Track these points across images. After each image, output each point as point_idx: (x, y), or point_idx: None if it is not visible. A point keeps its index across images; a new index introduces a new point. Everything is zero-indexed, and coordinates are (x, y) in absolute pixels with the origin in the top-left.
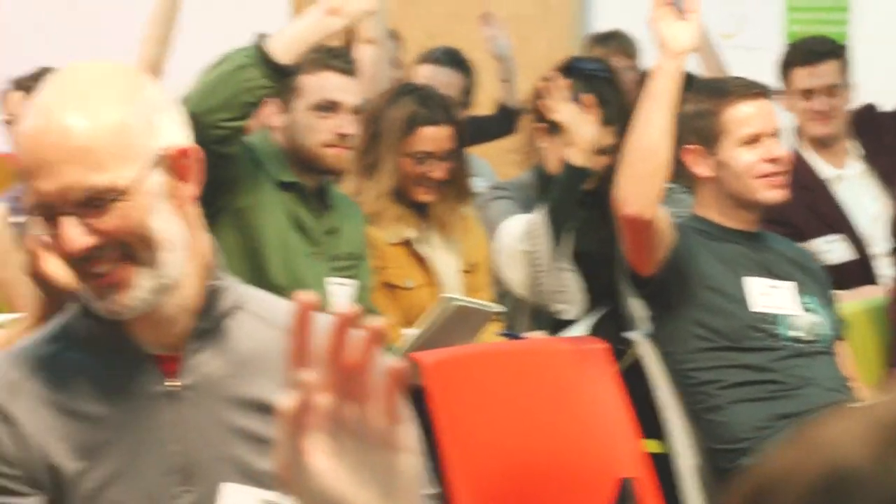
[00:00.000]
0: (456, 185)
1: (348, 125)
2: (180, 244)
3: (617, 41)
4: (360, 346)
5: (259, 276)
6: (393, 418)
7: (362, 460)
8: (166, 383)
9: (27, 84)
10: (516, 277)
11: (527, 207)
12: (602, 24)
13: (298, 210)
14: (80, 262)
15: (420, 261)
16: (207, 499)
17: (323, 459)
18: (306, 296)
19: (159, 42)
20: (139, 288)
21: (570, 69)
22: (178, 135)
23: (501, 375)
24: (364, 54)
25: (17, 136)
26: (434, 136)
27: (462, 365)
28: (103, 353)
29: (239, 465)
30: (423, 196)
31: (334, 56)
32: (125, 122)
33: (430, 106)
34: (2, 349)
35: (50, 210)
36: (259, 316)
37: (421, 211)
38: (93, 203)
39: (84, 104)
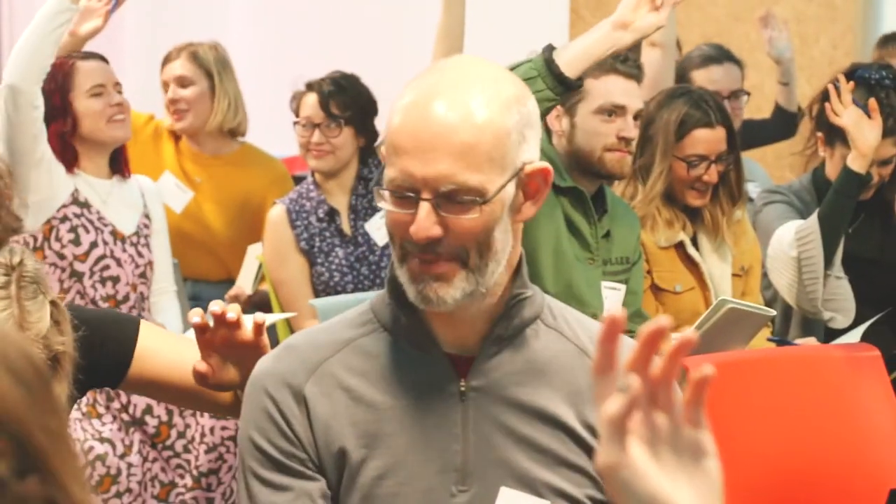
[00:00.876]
0: (729, 189)
1: (631, 129)
2: (506, 256)
3: None
4: (666, 357)
5: (532, 281)
6: (699, 425)
7: (676, 465)
8: (460, 382)
9: (320, 86)
10: (785, 283)
11: (802, 213)
12: (891, 25)
13: (574, 215)
14: (414, 245)
15: (691, 264)
16: (482, 500)
17: (644, 461)
18: (616, 314)
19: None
20: (457, 288)
21: (854, 75)
22: (536, 152)
23: (770, 382)
24: (650, 58)
25: (397, 114)
26: (707, 139)
27: (731, 371)
28: (403, 345)
29: (516, 471)
30: (696, 200)
31: (622, 60)
32: (508, 131)
33: (703, 108)
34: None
35: (409, 190)
36: (556, 329)
37: (693, 214)
38: (455, 198)
39: (477, 103)
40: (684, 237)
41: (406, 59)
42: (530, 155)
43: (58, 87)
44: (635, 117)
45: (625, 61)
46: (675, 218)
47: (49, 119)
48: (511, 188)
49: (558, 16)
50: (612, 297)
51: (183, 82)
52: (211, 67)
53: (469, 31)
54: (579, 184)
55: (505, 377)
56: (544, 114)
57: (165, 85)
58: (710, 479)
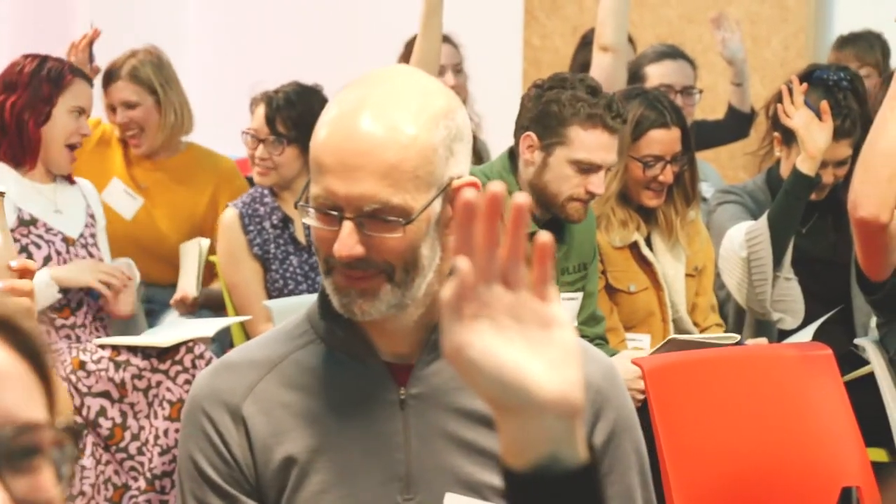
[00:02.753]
0: (683, 189)
1: (600, 185)
2: (432, 269)
3: (866, 42)
4: (507, 233)
5: None
6: (547, 298)
7: (524, 339)
8: (398, 390)
9: (271, 100)
10: (735, 283)
11: (755, 213)
12: (842, 26)
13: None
14: (338, 262)
15: (645, 265)
16: None
17: (489, 338)
18: (495, 188)
19: (431, 38)
20: (382, 301)
21: (812, 77)
22: (466, 164)
23: (723, 381)
24: (602, 62)
25: (322, 128)
26: (663, 139)
27: (683, 370)
28: (340, 355)
29: (461, 476)
30: (651, 200)
31: (613, 115)
32: (434, 147)
33: (658, 108)
34: None
35: (332, 209)
36: None
37: (647, 214)
38: (378, 218)
39: (402, 120)
40: (638, 237)
41: (369, 66)
42: (458, 169)
43: (49, 84)
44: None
45: (616, 117)
46: (630, 218)
47: (30, 104)
48: (437, 204)
49: (512, 17)
50: (569, 306)
51: (129, 104)
52: (154, 84)
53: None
54: (535, 212)
55: (444, 383)
56: None
57: (112, 106)
58: (564, 347)
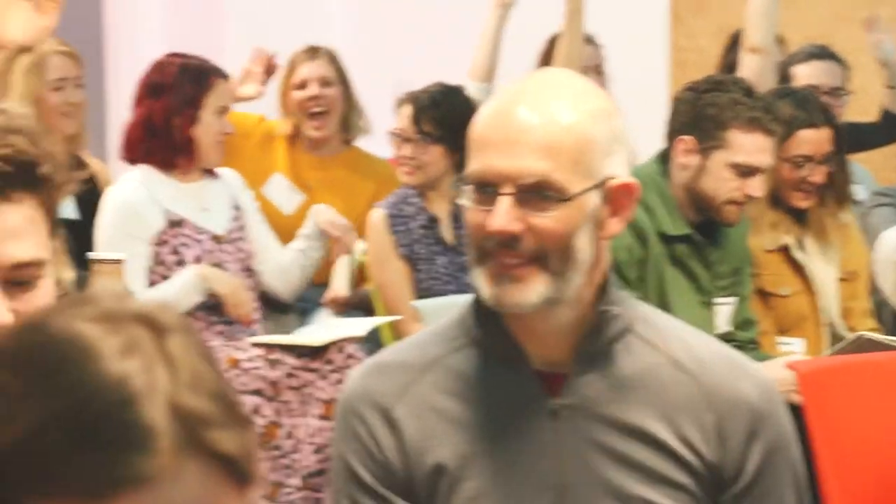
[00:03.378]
0: (835, 191)
1: (759, 189)
2: (585, 269)
3: None
4: None
5: None
6: None
7: None
8: (550, 399)
9: (416, 100)
10: (891, 288)
11: None
12: None
13: (690, 261)
14: (492, 243)
15: (796, 268)
16: None
17: None
18: None
19: (574, 40)
20: (535, 292)
21: None
22: (624, 170)
23: (879, 386)
24: (749, 64)
25: (482, 114)
26: (812, 140)
27: (839, 375)
28: (493, 362)
29: (612, 488)
30: (801, 201)
31: (771, 118)
32: (594, 138)
33: (807, 108)
34: None
35: (490, 184)
36: (648, 341)
37: (798, 217)
38: (535, 193)
39: (564, 105)
40: (790, 240)
41: (511, 65)
42: (617, 170)
43: (194, 86)
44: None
45: (773, 119)
46: (781, 220)
47: (177, 106)
48: (595, 198)
49: (658, 17)
50: (723, 311)
51: (326, 81)
52: (344, 73)
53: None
54: (689, 215)
55: (596, 394)
56: None
57: (296, 85)
58: None
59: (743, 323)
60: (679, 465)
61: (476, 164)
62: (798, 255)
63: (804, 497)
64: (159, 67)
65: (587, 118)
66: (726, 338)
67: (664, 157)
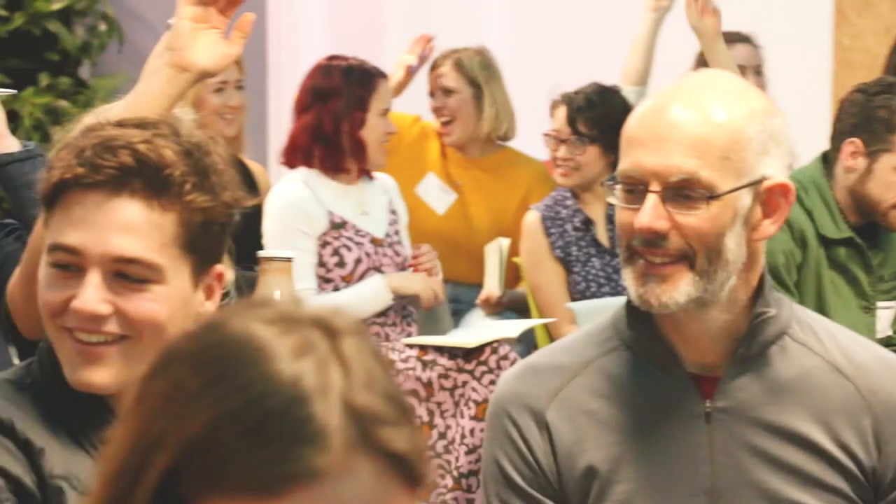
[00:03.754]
0: None
1: None
2: (735, 270)
3: None
4: None
5: None
6: None
7: None
8: (704, 402)
9: (571, 101)
10: None
11: None
12: None
13: (851, 265)
14: (640, 242)
15: None
16: None
17: None
18: None
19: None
20: (681, 292)
21: None
22: (781, 171)
23: None
24: None
25: (635, 112)
26: None
27: None
28: (645, 364)
29: (768, 493)
30: None
31: None
32: (748, 136)
33: None
34: None
35: (639, 182)
36: (804, 343)
37: None
38: (684, 191)
39: (717, 103)
40: None
41: (669, 67)
42: (772, 171)
43: (363, 85)
44: None
45: None
46: None
47: (346, 109)
48: (746, 198)
49: (822, 16)
50: (885, 315)
51: (446, 91)
52: (476, 75)
53: (728, 29)
54: (851, 218)
55: (751, 397)
56: None
57: (432, 91)
58: None
59: None
60: (835, 469)
61: (625, 162)
62: None
63: None
64: (324, 71)
65: (741, 116)
66: (887, 342)
67: (826, 159)
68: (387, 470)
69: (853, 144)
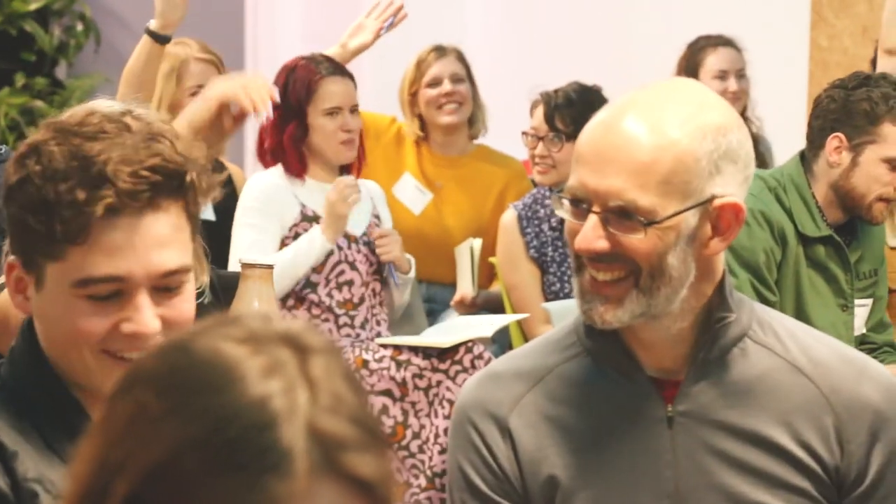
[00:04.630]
0: None
1: None
2: (682, 284)
3: None
4: None
5: None
6: None
7: None
8: (666, 406)
9: (549, 99)
10: None
11: None
12: None
13: (829, 264)
14: (585, 257)
15: None
16: None
17: None
18: None
19: None
20: (624, 309)
21: None
22: (736, 189)
23: None
24: (888, 65)
25: (591, 122)
26: None
27: None
28: (607, 370)
29: (731, 495)
30: None
31: None
32: (696, 157)
33: None
34: None
35: (581, 201)
36: (764, 345)
37: None
38: (624, 216)
39: (666, 122)
40: None
41: (650, 68)
42: (724, 189)
43: (297, 94)
44: None
45: None
46: None
47: (284, 120)
48: (692, 218)
49: (799, 17)
50: (861, 314)
51: (458, 78)
52: (471, 71)
53: (707, 30)
54: (830, 216)
55: (713, 400)
56: None
57: (427, 83)
58: None
59: (878, 325)
60: (798, 469)
61: (573, 178)
62: None
63: None
64: (282, 74)
65: (692, 136)
66: (861, 340)
67: (804, 158)
68: (351, 495)
69: (837, 139)
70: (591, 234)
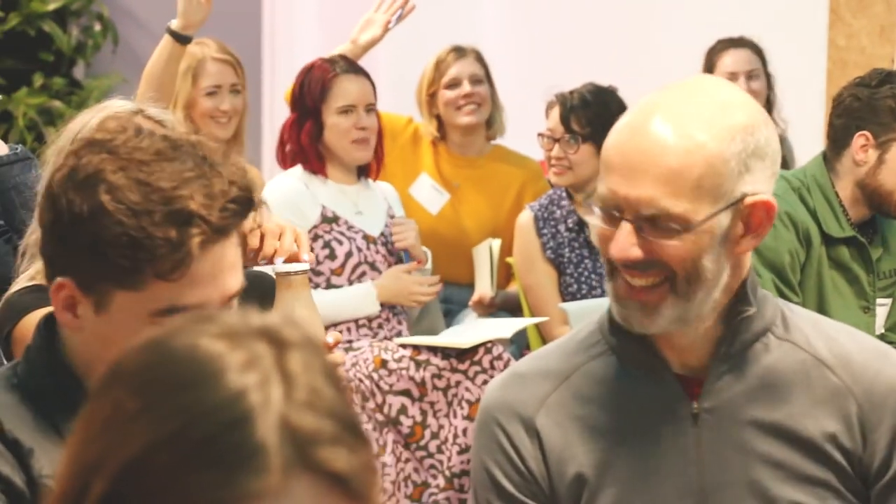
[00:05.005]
0: None
1: None
2: (716, 286)
3: None
4: None
5: None
6: None
7: None
8: (691, 403)
9: (565, 100)
10: None
11: None
12: None
13: (853, 265)
14: (621, 264)
15: None
16: None
17: None
18: None
19: None
20: (663, 316)
21: None
22: (765, 186)
23: None
24: None
25: (615, 129)
26: None
27: None
28: (631, 368)
29: (756, 490)
30: None
31: None
32: (725, 159)
33: None
34: None
35: (613, 209)
36: (789, 340)
37: None
38: (658, 223)
39: (693, 125)
40: None
41: (667, 70)
42: (754, 187)
43: (313, 93)
44: None
45: None
46: None
47: (301, 119)
48: (725, 219)
49: (817, 16)
50: (882, 313)
51: (476, 79)
52: (489, 72)
53: (724, 30)
54: (856, 212)
55: (737, 396)
56: None
57: (447, 84)
58: None
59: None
60: (823, 462)
61: (602, 186)
62: None
63: None
64: (299, 75)
65: (721, 136)
66: (881, 339)
67: (826, 157)
68: (327, 489)
69: (864, 137)
70: (625, 242)
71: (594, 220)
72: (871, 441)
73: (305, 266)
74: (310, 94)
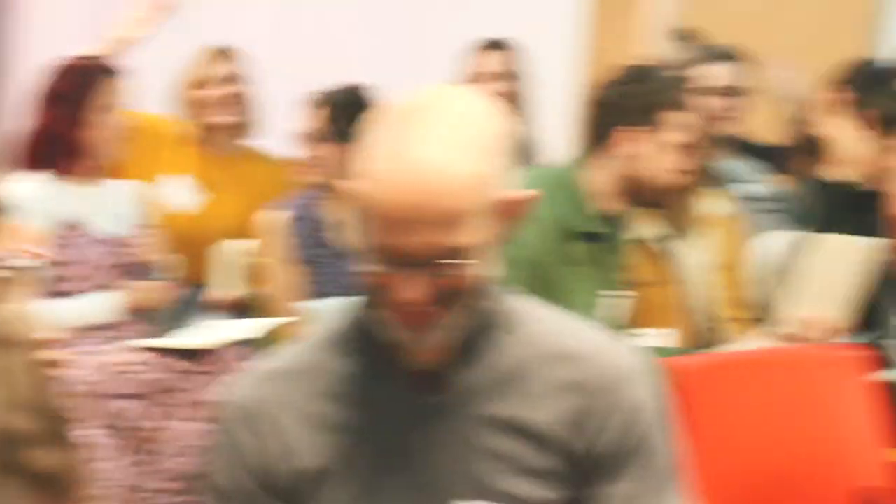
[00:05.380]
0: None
1: None
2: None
3: None
4: None
5: None
6: None
7: None
8: (424, 399)
9: (334, 100)
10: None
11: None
12: None
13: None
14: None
15: (656, 258)
16: None
17: None
18: None
19: None
20: (445, 331)
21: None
22: (511, 175)
23: (749, 383)
24: None
25: (373, 168)
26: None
27: (715, 371)
28: (366, 364)
29: (481, 484)
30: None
31: None
32: (487, 177)
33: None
34: None
35: (392, 257)
36: (518, 335)
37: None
38: (442, 258)
39: (451, 157)
40: (651, 231)
41: (428, 70)
42: (508, 185)
43: (73, 91)
44: None
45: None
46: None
47: (57, 118)
48: (491, 226)
49: (576, 17)
50: (621, 305)
51: (233, 79)
52: (245, 72)
53: (483, 31)
54: (611, 206)
55: (468, 390)
56: None
57: (202, 84)
58: None
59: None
60: (550, 454)
61: (375, 235)
62: (660, 245)
63: (670, 470)
64: (54, 72)
65: (478, 158)
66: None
67: (581, 154)
68: (30, 489)
69: (618, 132)
70: (414, 289)
71: (370, 268)
72: (599, 432)
73: (33, 263)
74: (71, 93)
